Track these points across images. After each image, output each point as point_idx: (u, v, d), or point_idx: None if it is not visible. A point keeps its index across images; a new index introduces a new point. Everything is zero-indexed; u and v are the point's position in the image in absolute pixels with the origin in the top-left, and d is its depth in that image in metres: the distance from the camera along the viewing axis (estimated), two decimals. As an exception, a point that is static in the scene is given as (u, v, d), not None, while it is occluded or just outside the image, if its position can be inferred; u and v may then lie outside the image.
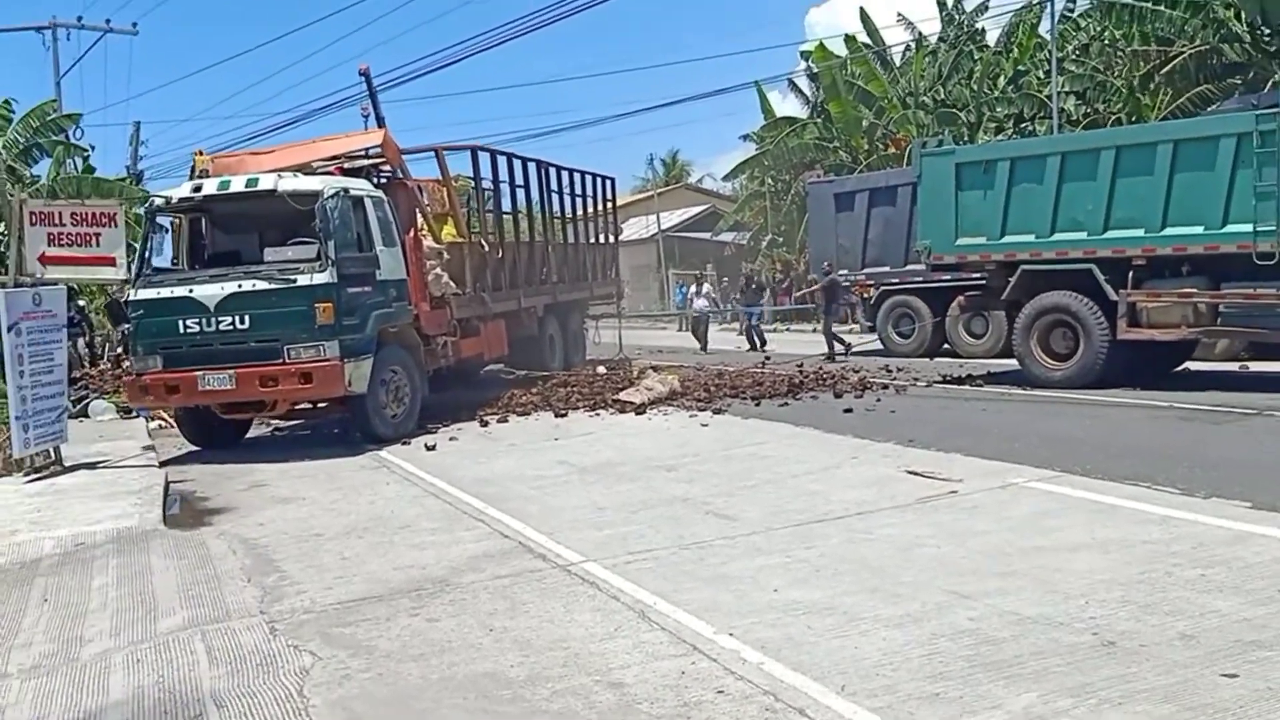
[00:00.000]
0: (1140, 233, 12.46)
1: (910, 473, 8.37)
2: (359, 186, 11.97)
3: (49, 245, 10.38)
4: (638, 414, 12.91)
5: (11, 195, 11.83)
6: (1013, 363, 14.25)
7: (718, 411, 12.70)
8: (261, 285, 10.84)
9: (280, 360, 10.77)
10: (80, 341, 16.47)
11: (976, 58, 29.21)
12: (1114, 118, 24.38)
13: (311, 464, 10.72)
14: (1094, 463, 8.29)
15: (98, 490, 9.65)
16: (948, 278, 16.11)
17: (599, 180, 19.47)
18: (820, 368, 16.34)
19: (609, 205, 20.29)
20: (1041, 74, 27.73)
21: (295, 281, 10.80)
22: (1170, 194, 12.19)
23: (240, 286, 10.85)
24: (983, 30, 31.52)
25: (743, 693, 4.27)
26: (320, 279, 10.79)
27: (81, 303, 16.52)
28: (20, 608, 6.39)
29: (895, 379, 15.21)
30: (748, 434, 11.07)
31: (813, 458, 9.40)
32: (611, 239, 20.84)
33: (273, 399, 11.25)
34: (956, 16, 31.67)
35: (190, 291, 10.97)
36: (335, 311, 10.81)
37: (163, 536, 7.95)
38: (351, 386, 11.02)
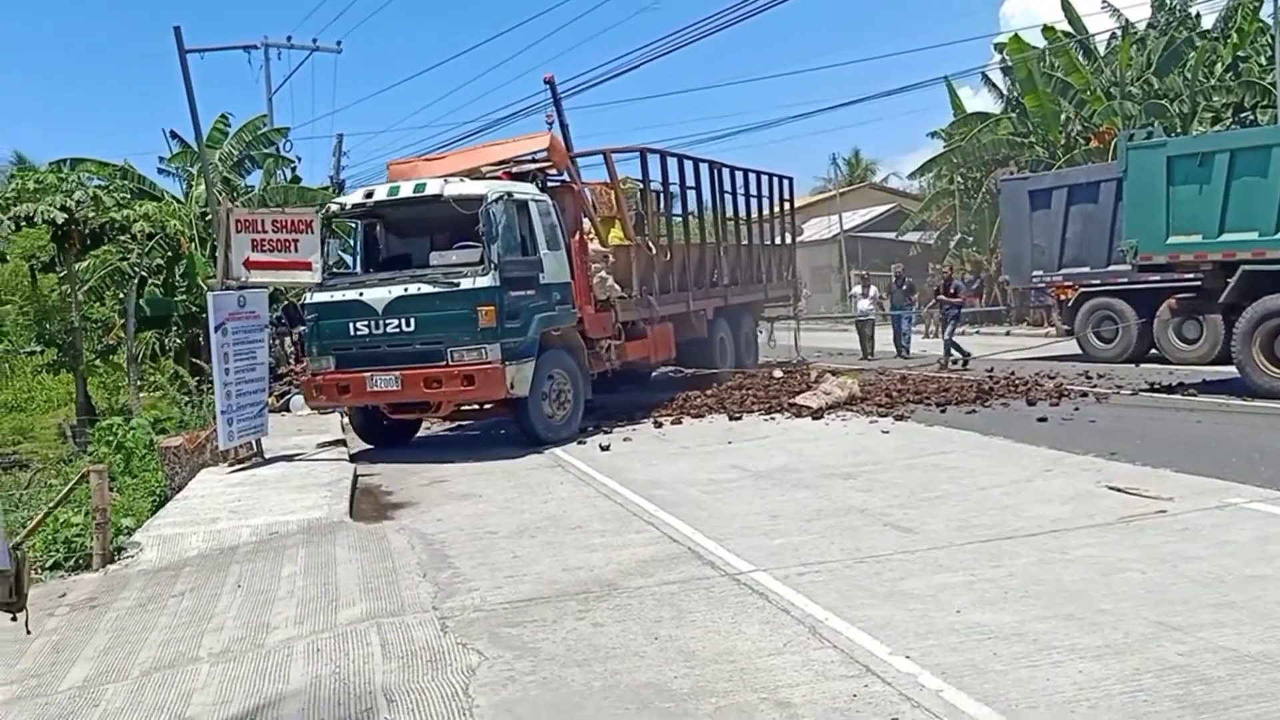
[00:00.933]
0: None
1: (1112, 489, 7.73)
2: (524, 190, 12.07)
3: (252, 250, 11.01)
4: (815, 418, 12.56)
5: (219, 204, 12.59)
6: (1231, 370, 13.06)
7: (900, 418, 12.20)
8: (426, 289, 11.05)
9: (444, 362, 10.94)
10: (286, 340, 17.41)
11: (1193, 44, 27.12)
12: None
13: (491, 462, 10.91)
14: (1328, 483, 7.43)
15: (293, 482, 10.15)
16: (1156, 278, 14.96)
17: (775, 180, 19.06)
18: (1011, 373, 15.46)
19: (786, 205, 19.86)
20: (1264, 60, 25.54)
21: (458, 285, 10.96)
22: None
23: (406, 290, 11.10)
24: (1198, 15, 29.31)
25: (920, 722, 3.98)
26: (483, 282, 10.91)
27: (286, 303, 17.44)
28: (216, 593, 6.74)
29: (1095, 386, 14.22)
30: (931, 442, 10.56)
31: (1002, 469, 8.84)
32: (789, 240, 20.38)
33: (437, 400, 11.44)
34: (1168, 2, 29.58)
35: (360, 295, 11.30)
36: (497, 314, 10.89)
37: (348, 529, 8.24)
38: (513, 389, 11.08)
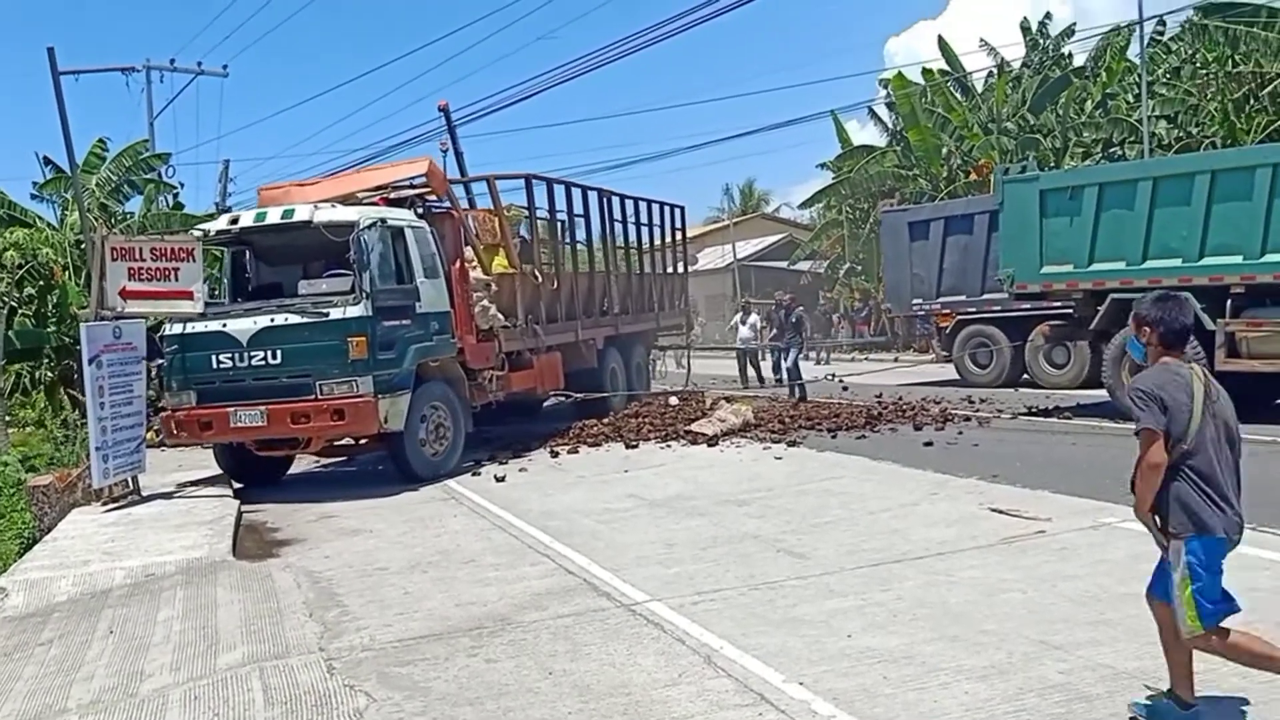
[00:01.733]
0: (1239, 259, 11.83)
1: (994, 510, 7.98)
2: (399, 216, 11.74)
3: (129, 280, 10.55)
4: (710, 445, 12.66)
5: (93, 231, 12.08)
6: (1101, 393, 13.65)
7: (792, 444, 12.39)
8: (294, 319, 10.65)
9: (312, 396, 10.53)
10: (157, 371, 16.77)
11: (1067, 82, 28.48)
12: (1208, 142, 23.50)
13: (383, 498, 10.64)
14: (1193, 501, 7.78)
15: (171, 520, 9.73)
16: (1027, 306, 15.61)
17: (666, 209, 19.16)
18: (899, 399, 15.88)
19: (678, 234, 20.01)
20: (1131, 98, 26.95)
21: (328, 315, 10.59)
22: (1270, 219, 11.54)
23: (273, 320, 10.70)
24: (1069, 55, 30.81)
25: (813, 749, 4.00)
26: (353, 312, 10.57)
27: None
28: (86, 639, 6.40)
29: (979, 410, 14.71)
30: (823, 468, 10.74)
31: (890, 494, 9.04)
32: (681, 268, 20.56)
33: (306, 436, 11.02)
34: (1041, 41, 31.03)
35: (224, 325, 10.86)
36: (369, 345, 10.53)
37: (230, 568, 7.94)
38: (387, 423, 10.72)
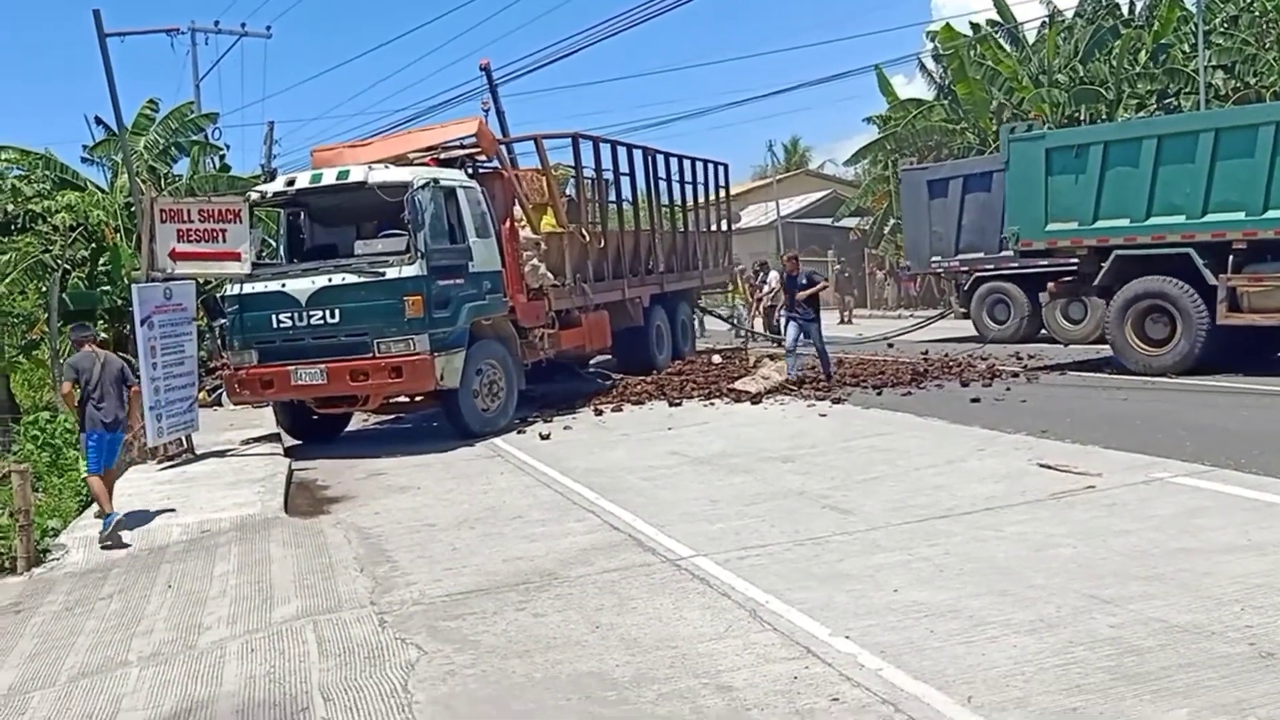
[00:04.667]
0: (1241, 216, 11.98)
1: (1043, 466, 7.89)
2: (451, 177, 11.83)
3: (178, 241, 10.70)
4: (753, 403, 12.63)
5: (142, 194, 12.23)
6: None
7: (837, 401, 12.32)
8: (350, 279, 10.78)
9: (370, 354, 10.69)
10: (220, 331, 17.01)
11: (1118, 33, 27.68)
12: (1268, 92, 22.78)
13: (430, 455, 10.77)
14: (1249, 456, 7.65)
15: (225, 478, 9.93)
16: (1045, 263, 15.65)
17: (711, 166, 19.07)
18: (945, 355, 15.71)
19: (722, 192, 19.90)
20: (1187, 47, 26.13)
21: (384, 275, 10.69)
22: (1272, 176, 11.68)
23: (330, 281, 10.82)
24: (1122, 4, 29.91)
25: (859, 701, 4.01)
26: (409, 271, 10.67)
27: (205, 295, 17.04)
28: (145, 594, 6.57)
29: (1026, 366, 14.52)
30: (868, 425, 10.68)
31: (937, 450, 8.97)
32: (725, 226, 20.45)
33: (364, 393, 11.16)
34: (1095, -10, 30.13)
35: (283, 286, 11.00)
36: (425, 304, 10.64)
37: (282, 525, 8.10)
38: (443, 380, 10.86)
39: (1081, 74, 28.00)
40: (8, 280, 18.02)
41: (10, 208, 15.47)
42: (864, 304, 32.65)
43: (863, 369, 14.80)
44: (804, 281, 13.99)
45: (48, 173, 18.62)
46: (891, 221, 33.26)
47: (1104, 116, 25.53)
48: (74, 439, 11.53)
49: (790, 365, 13.74)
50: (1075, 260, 14.16)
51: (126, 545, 7.74)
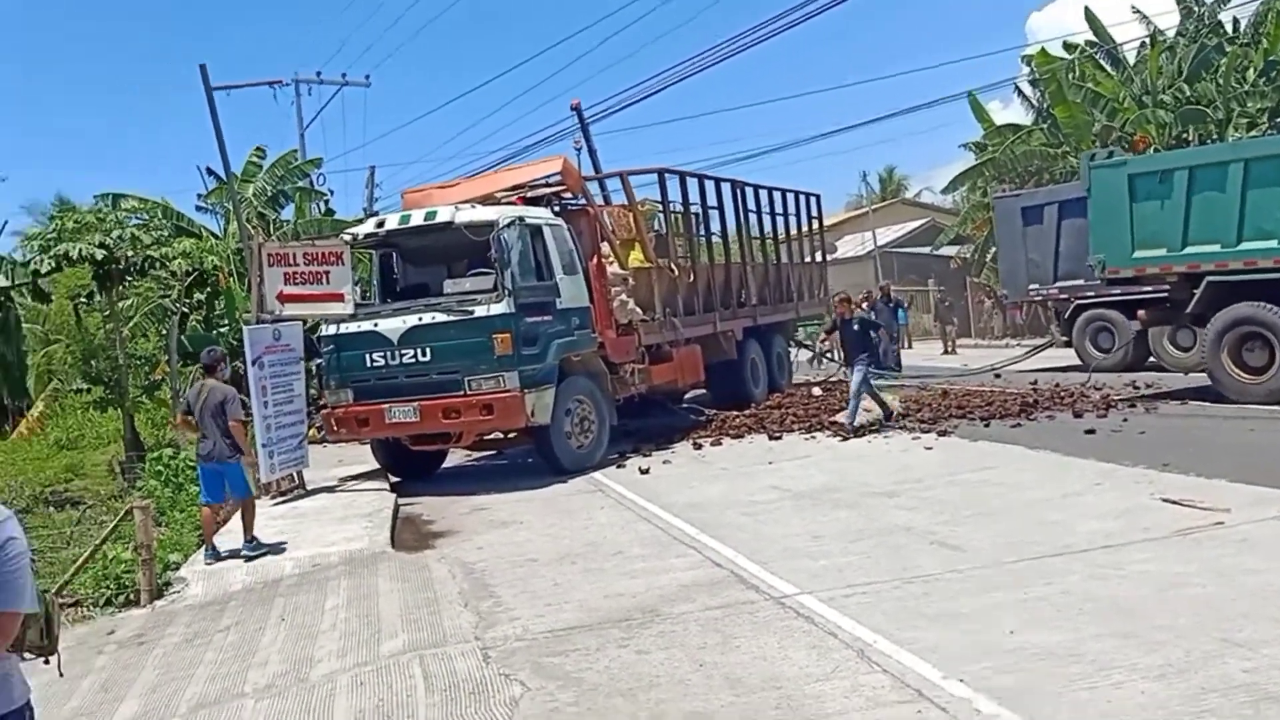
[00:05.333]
0: None
1: (1166, 501, 7.54)
2: (537, 215, 11.94)
3: (285, 284, 11.07)
4: (855, 437, 12.41)
5: (251, 239, 12.70)
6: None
7: (943, 433, 12.02)
8: (440, 317, 10.94)
9: (461, 392, 10.80)
10: (317, 370, 17.52)
11: (1223, 51, 26.72)
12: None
13: (532, 491, 10.84)
14: (1392, 490, 7.19)
15: (334, 513, 10.17)
16: (1148, 289, 15.07)
17: (802, 197, 18.93)
18: (1056, 385, 15.21)
19: (815, 223, 19.74)
20: (1298, 64, 25.07)
21: (473, 313, 10.83)
22: None
23: (421, 320, 11.00)
24: (1234, 20, 28.87)
25: (976, 748, 3.86)
26: (497, 309, 10.78)
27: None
28: (260, 627, 6.74)
29: (1141, 395, 13.96)
30: (977, 457, 10.39)
31: (1050, 483, 8.66)
32: (819, 257, 20.26)
33: (457, 430, 11.26)
34: (1196, 9, 29.18)
35: (375, 326, 11.20)
36: (513, 341, 10.72)
37: (390, 559, 8.23)
38: (534, 417, 10.90)
39: (1188, 94, 27.10)
40: (131, 324, 18.92)
41: (131, 254, 16.23)
42: (968, 333, 31.91)
43: (969, 400, 14.43)
44: (856, 328, 13.28)
45: (165, 220, 19.55)
46: (993, 249, 32.55)
47: (1214, 137, 24.64)
48: (194, 475, 11.99)
49: (852, 408, 12.79)
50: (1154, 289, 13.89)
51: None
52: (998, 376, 17.53)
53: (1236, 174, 12.34)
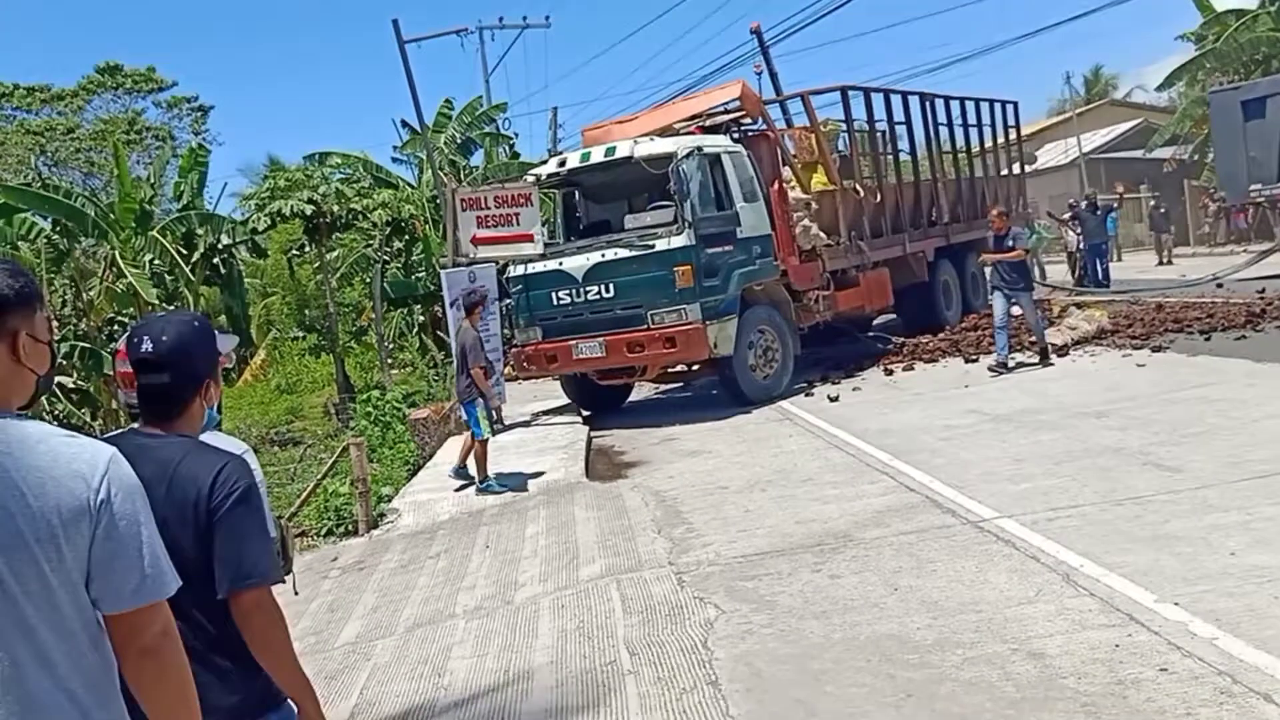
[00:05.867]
0: None
1: None
2: (715, 143, 11.78)
3: (478, 227, 11.44)
4: (1060, 356, 11.80)
5: (445, 186, 13.16)
6: None
7: (1157, 349, 11.27)
8: (622, 253, 11.00)
9: (645, 326, 10.85)
10: (507, 310, 18.09)
11: None
12: None
13: (720, 421, 10.89)
14: None
15: (532, 446, 10.56)
16: None
17: (998, 106, 17.85)
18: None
19: (1012, 133, 18.66)
20: None
21: (653, 247, 10.84)
22: None
23: (604, 256, 11.10)
24: None
25: (1191, 672, 3.66)
26: (677, 242, 10.75)
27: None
28: (467, 553, 7.12)
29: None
30: (1195, 374, 9.69)
31: (1279, 399, 7.98)
32: (1016, 169, 19.17)
33: (641, 364, 11.36)
34: None
35: (560, 264, 11.37)
36: (694, 274, 10.68)
37: (585, 489, 8.50)
38: (717, 348, 10.86)
39: None
40: (338, 274, 20.11)
41: (336, 208, 17.19)
42: (1186, 241, 29.65)
43: (1186, 312, 13.43)
44: (1010, 243, 11.61)
45: (365, 173, 20.54)
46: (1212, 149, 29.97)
47: None
48: (398, 414, 12.71)
49: (1000, 344, 11.44)
50: None
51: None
52: (1220, 286, 16.22)
53: None
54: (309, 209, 16.45)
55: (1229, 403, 8.10)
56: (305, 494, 8.97)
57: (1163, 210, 28.21)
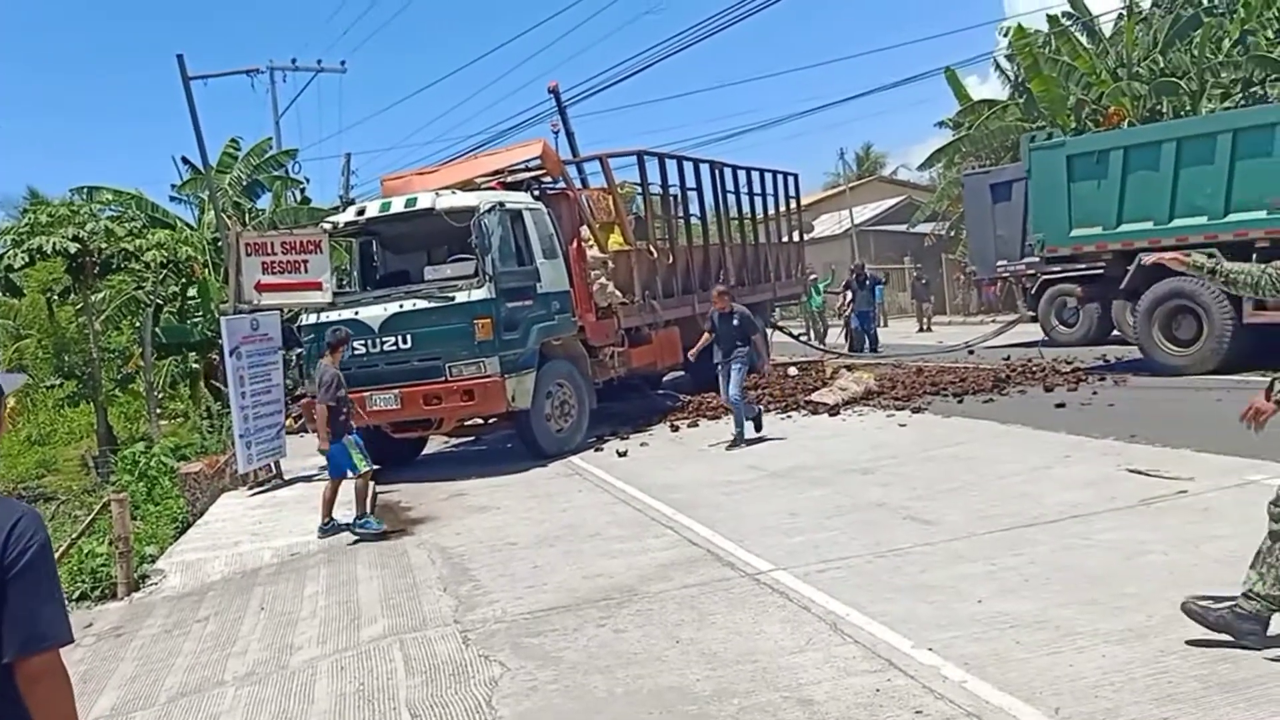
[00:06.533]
0: (1262, 215, 12.19)
1: (1133, 471, 7.68)
2: (517, 200, 11.93)
3: (263, 273, 11.06)
4: (831, 415, 12.53)
5: (228, 229, 12.66)
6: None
7: (916, 410, 12.15)
8: (421, 304, 10.92)
9: (443, 378, 10.78)
10: (298, 359, 17.50)
11: (1199, 22, 26.91)
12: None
13: (509, 475, 10.87)
14: (1352, 456, 7.33)
15: (312, 502, 10.13)
16: (1083, 266, 15.42)
17: (780, 177, 18.92)
18: (1028, 361, 15.40)
19: (793, 203, 19.78)
20: (1271, 34, 25.30)
21: (454, 299, 10.82)
22: None
23: (401, 307, 10.99)
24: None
25: (943, 713, 3.95)
26: (478, 295, 10.78)
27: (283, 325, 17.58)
28: (240, 616, 6.77)
29: (1111, 368, 14.15)
30: (949, 433, 10.51)
31: (1021, 457, 8.79)
32: (796, 237, 20.32)
33: (438, 417, 11.26)
34: (1172, -22, 29.35)
35: (356, 314, 11.18)
36: (494, 327, 10.74)
37: (368, 546, 8.28)
38: (515, 402, 10.92)
39: (1162, 65, 27.28)
40: (103, 317, 18.81)
41: (104, 247, 16.15)
42: (944, 310, 32.14)
43: (942, 376, 14.57)
44: (736, 323, 11.22)
45: (139, 212, 19.44)
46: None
47: (1187, 109, 24.84)
48: (165, 470, 11.99)
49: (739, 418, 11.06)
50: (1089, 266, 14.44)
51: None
52: (971, 353, 17.70)
53: (1169, 153, 12.94)
54: (73, 246, 15.37)
55: (978, 460, 8.84)
56: (58, 554, 8.27)
57: (924, 281, 30.55)
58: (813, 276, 26.33)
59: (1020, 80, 31.28)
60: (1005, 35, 31.82)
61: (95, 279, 17.39)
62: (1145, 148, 13.36)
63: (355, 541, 8.41)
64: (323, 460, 12.59)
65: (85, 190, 19.36)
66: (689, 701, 4.38)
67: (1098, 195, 13.57)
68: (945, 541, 6.37)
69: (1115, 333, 17.37)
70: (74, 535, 8.94)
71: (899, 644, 4.70)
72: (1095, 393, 12.22)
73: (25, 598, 1.97)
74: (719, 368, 11.37)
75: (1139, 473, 7.60)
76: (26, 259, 15.90)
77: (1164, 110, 26.00)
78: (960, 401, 12.60)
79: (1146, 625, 4.58)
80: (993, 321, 24.94)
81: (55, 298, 19.47)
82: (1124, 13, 29.78)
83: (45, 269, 18.42)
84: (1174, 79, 26.38)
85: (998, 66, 33.57)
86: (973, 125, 31.47)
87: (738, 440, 10.91)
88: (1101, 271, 14.23)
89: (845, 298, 22.98)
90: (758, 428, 11.44)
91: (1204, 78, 26.12)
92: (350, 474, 8.71)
